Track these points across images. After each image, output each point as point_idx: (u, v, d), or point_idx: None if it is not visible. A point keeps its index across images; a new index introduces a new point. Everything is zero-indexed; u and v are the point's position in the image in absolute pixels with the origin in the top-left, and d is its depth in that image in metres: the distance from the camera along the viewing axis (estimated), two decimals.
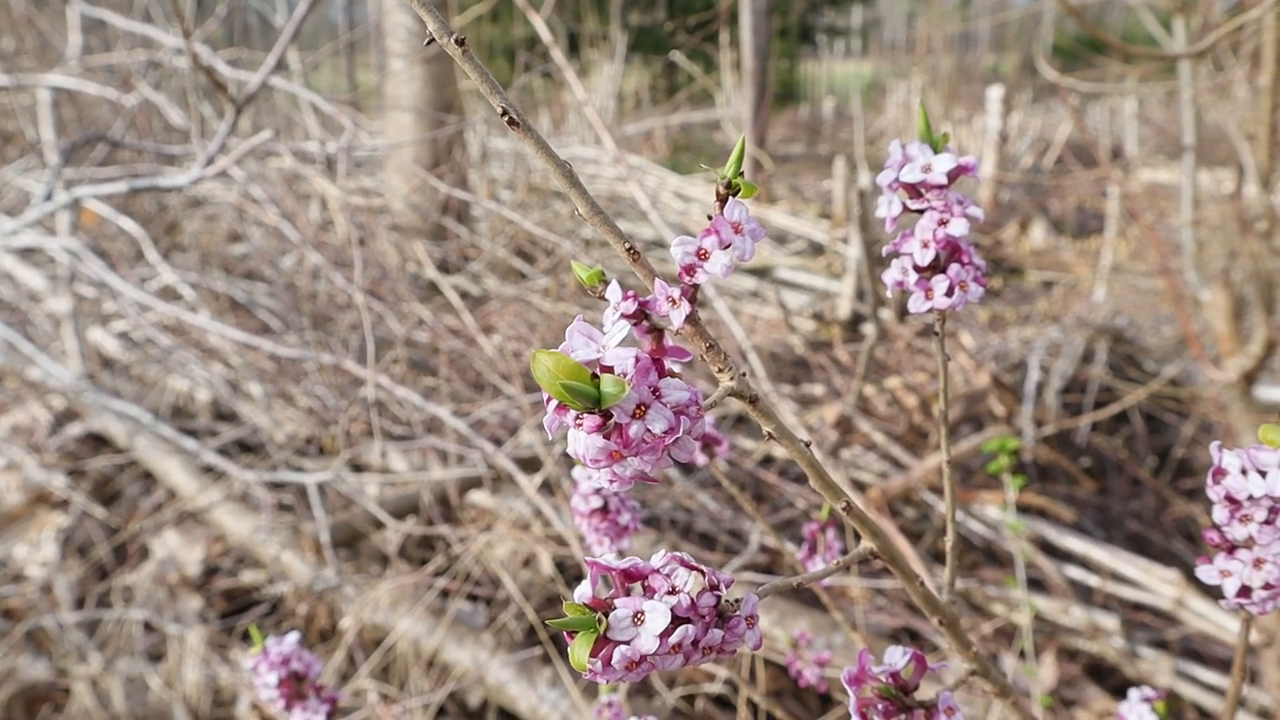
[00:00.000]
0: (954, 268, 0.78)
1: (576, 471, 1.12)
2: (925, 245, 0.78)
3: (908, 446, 3.52)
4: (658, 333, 0.65)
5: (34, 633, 2.80)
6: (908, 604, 3.07)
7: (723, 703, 2.74)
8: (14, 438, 3.55)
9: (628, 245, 0.72)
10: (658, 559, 0.63)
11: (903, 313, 4.67)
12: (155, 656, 2.79)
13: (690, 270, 0.68)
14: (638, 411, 0.52)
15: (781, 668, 2.85)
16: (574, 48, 8.51)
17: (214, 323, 3.30)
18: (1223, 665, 3.11)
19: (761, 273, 5.58)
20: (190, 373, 3.76)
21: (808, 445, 0.74)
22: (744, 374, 0.74)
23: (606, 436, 0.53)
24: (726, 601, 0.64)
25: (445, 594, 2.97)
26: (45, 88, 3.55)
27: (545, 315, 3.88)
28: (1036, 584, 3.34)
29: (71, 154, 1.99)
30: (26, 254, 4.66)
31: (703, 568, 0.63)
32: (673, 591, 0.60)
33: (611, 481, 0.56)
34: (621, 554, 1.18)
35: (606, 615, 0.59)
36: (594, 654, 0.58)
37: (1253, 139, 2.69)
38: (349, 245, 4.20)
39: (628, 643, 0.58)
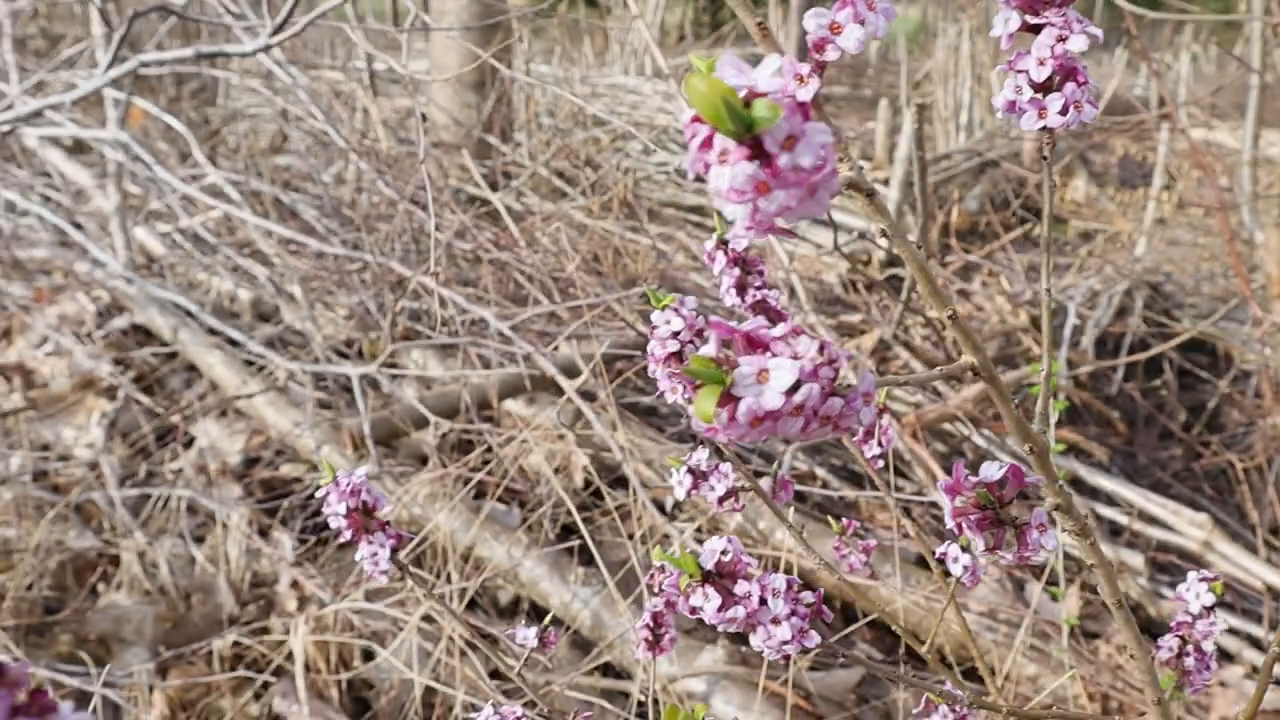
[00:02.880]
0: (1069, 86, 0.78)
1: (654, 316, 1.13)
2: (1042, 62, 0.78)
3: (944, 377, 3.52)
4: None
5: (82, 506, 2.88)
6: (937, 531, 3.10)
7: None
8: (62, 326, 3.61)
9: (757, 20, 0.72)
10: (777, 329, 0.64)
11: (944, 250, 4.63)
12: (198, 539, 2.87)
13: (820, 46, 0.68)
14: (787, 143, 0.53)
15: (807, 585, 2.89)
16: None
17: (261, 220, 3.33)
18: (1246, 613, 3.12)
19: None
20: (235, 270, 3.81)
21: (919, 247, 0.75)
22: (860, 167, 0.75)
23: (756, 164, 0.53)
24: (841, 383, 0.66)
25: (479, 495, 3.02)
26: None
27: (586, 232, 3.88)
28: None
29: (133, 24, 1.99)
30: (72, 150, 4.69)
31: (825, 339, 0.64)
32: (795, 357, 0.62)
33: (752, 221, 0.57)
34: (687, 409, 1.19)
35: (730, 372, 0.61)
36: (720, 406, 0.59)
37: None
38: (392, 156, 4.21)
39: (754, 398, 0.59)
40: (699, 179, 0.57)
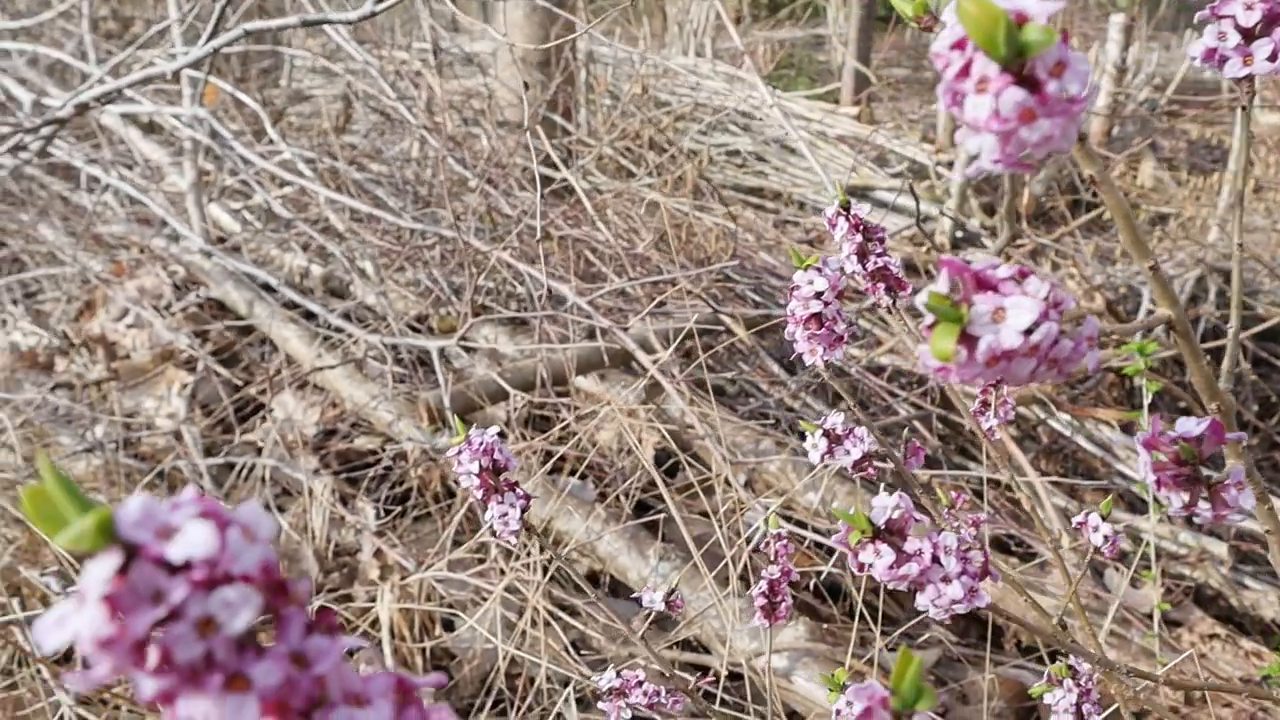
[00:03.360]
0: (1278, 30, 0.76)
1: (797, 276, 1.12)
2: (1250, 7, 0.75)
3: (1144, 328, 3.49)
4: None
5: (168, 474, 2.94)
6: (1013, 515, 3.06)
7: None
8: (142, 299, 3.68)
9: None
10: (1004, 270, 0.63)
11: (1013, 238, 4.56)
12: (278, 509, 2.91)
13: None
14: (1056, 69, 0.52)
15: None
16: None
17: (337, 194, 3.36)
18: None
19: (862, 192, 5.48)
20: (306, 246, 3.85)
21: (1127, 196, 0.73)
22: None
23: (1025, 91, 0.52)
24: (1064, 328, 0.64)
25: (554, 471, 3.04)
26: None
27: (655, 212, 3.87)
28: (1136, 506, 3.29)
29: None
30: (149, 130, 4.77)
31: (1053, 280, 0.63)
32: (1027, 296, 0.61)
33: (1003, 153, 0.55)
34: (828, 365, 1.19)
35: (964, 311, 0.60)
36: (959, 343, 0.58)
37: None
38: (459, 135, 4.22)
39: (993, 336, 0.58)
40: (955, 105, 0.56)
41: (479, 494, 1.20)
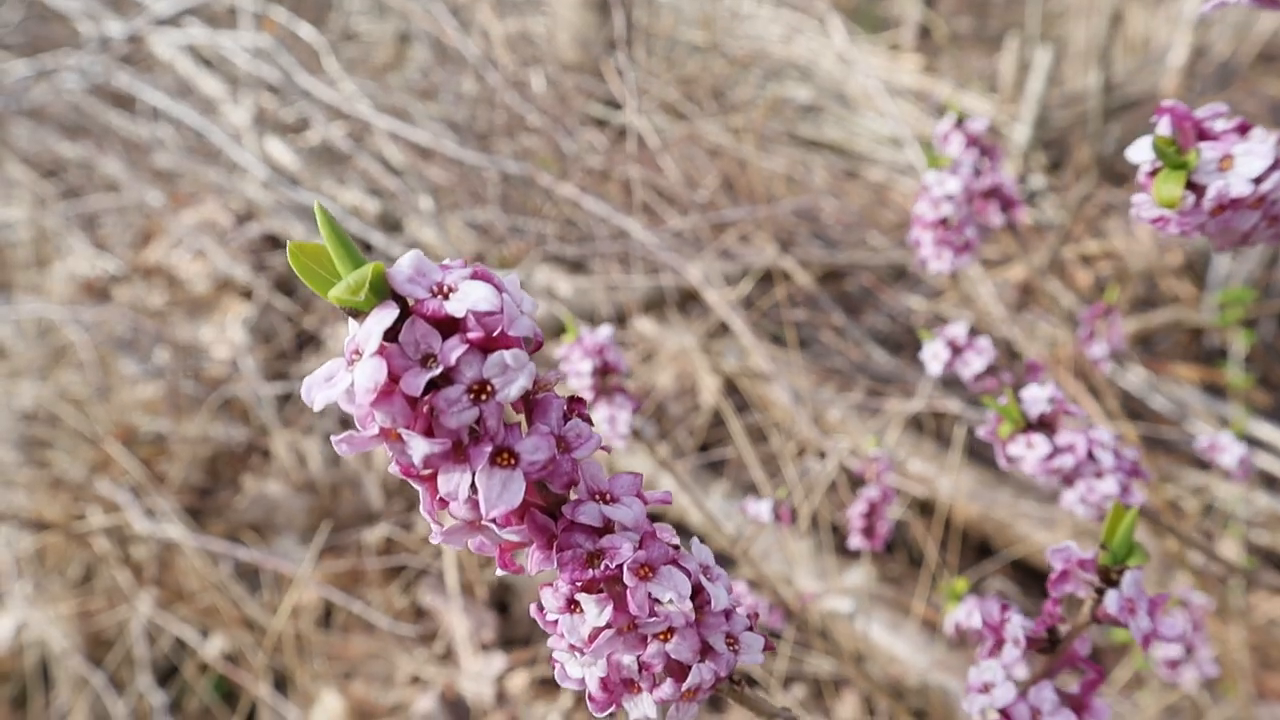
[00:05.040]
0: None
1: (927, 176, 1.07)
2: None
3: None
4: None
5: (229, 403, 2.95)
6: None
7: None
8: (199, 231, 3.68)
9: None
10: (1225, 123, 0.58)
11: (1085, 199, 4.42)
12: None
13: None
14: None
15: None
16: None
17: (400, 124, 3.33)
18: None
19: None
20: (366, 178, 3.83)
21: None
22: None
23: None
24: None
25: None
26: None
27: (716, 157, 3.79)
28: (1206, 466, 3.20)
29: None
30: (207, 64, 4.75)
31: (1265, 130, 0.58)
32: (1256, 145, 0.56)
33: None
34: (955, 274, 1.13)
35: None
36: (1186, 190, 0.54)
37: None
38: (519, 74, 4.16)
39: (1222, 182, 0.53)
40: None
41: (589, 395, 1.16)
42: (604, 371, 1.12)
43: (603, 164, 3.46)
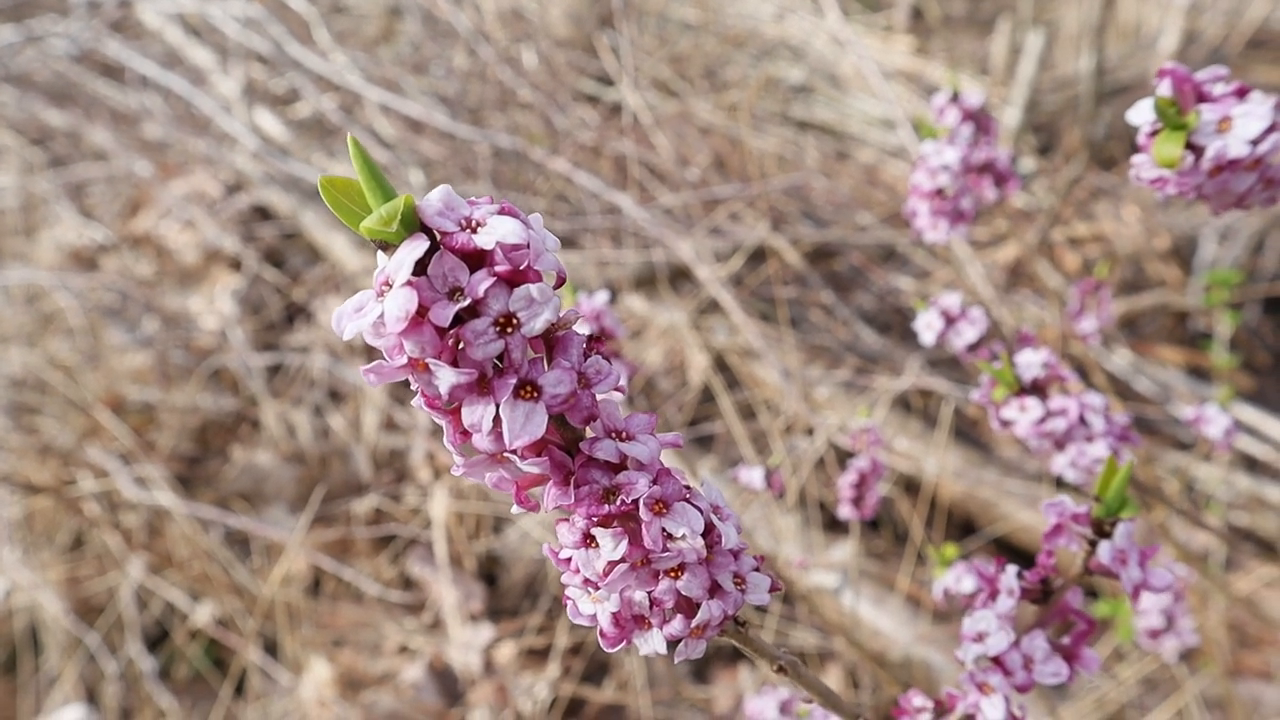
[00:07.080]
0: None
1: (924, 145, 1.07)
2: None
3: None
4: None
5: (218, 373, 2.94)
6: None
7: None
8: (188, 201, 3.66)
9: None
10: (1223, 88, 0.59)
11: (1074, 182, 4.44)
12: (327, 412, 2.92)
13: None
14: None
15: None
16: None
17: (391, 96, 3.31)
18: None
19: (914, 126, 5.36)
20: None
21: None
22: None
23: None
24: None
25: None
26: None
27: (707, 135, 3.79)
28: (1186, 447, 3.24)
29: None
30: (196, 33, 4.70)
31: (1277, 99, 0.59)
32: (1255, 107, 0.57)
33: None
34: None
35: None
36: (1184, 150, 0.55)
37: None
38: (511, 48, 4.14)
39: (1221, 143, 0.55)
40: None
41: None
42: (601, 337, 1.13)
43: (594, 140, 3.45)
